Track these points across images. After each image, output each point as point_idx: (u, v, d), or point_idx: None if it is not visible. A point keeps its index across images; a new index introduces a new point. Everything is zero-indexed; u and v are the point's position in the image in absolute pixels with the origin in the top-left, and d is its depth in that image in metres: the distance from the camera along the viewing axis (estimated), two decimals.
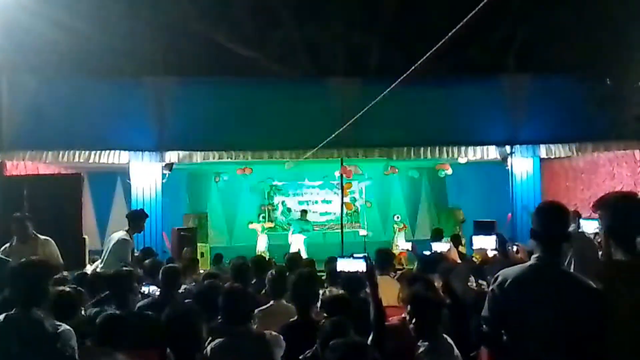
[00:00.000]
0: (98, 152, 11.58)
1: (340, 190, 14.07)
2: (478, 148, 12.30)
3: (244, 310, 3.84)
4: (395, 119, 11.73)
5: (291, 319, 4.22)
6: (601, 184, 12.53)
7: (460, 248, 10.18)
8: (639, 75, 11.16)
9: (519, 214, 12.15)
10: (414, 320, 3.70)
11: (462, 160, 12.91)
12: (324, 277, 6.08)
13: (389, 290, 4.92)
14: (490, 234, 8.00)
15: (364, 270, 3.79)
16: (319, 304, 4.43)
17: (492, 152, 12.36)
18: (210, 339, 3.70)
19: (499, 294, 2.90)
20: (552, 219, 2.94)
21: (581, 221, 8.12)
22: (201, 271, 7.98)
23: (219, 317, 3.89)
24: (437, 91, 12.05)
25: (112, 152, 11.66)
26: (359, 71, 14.28)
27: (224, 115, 11.83)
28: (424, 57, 6.07)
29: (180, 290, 5.56)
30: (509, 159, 12.35)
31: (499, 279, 2.93)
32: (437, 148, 12.24)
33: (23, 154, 11.42)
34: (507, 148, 12.28)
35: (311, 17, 15.59)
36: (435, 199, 17.05)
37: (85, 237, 9.69)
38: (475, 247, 7.75)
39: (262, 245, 14.99)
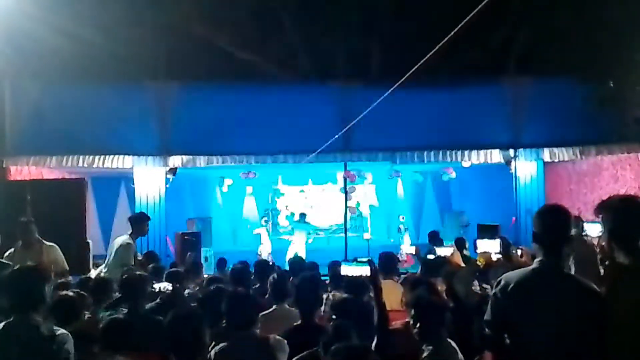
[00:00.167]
0: (101, 156, 11.61)
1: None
2: (482, 152, 12.30)
3: (247, 315, 3.83)
4: (399, 122, 11.75)
5: (295, 323, 4.22)
6: (605, 187, 12.50)
7: (464, 252, 10.17)
8: None
9: (522, 217, 12.14)
10: (417, 324, 3.69)
11: (466, 163, 12.92)
12: (327, 282, 6.07)
13: (393, 294, 4.91)
14: (494, 238, 8.01)
15: (368, 274, 3.79)
16: (322, 308, 4.42)
17: (495, 156, 12.35)
18: (214, 343, 3.70)
19: (502, 298, 2.89)
20: (554, 222, 2.93)
21: (585, 224, 8.13)
22: (205, 275, 7.97)
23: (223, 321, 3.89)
24: (440, 95, 12.06)
25: (116, 156, 11.69)
26: (361, 75, 14.26)
27: (227, 119, 11.86)
28: (425, 58, 6.09)
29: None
30: (512, 163, 12.33)
31: (502, 282, 2.92)
32: (440, 152, 12.25)
33: (27, 159, 11.46)
34: (511, 151, 12.27)
35: (313, 21, 15.60)
36: (439, 203, 17.05)
37: (89, 241, 9.69)
38: (479, 250, 7.75)
39: (265, 251, 14.98)
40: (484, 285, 5.64)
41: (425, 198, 17.30)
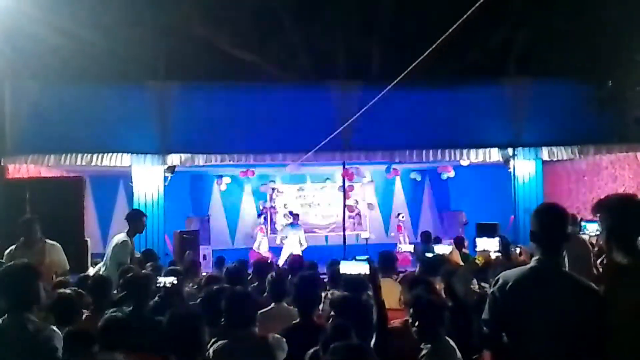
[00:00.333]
0: (100, 155, 11.60)
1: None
2: (480, 150, 12.30)
3: (246, 314, 3.83)
4: (397, 121, 11.77)
5: (293, 322, 4.22)
6: (603, 187, 12.52)
7: (464, 250, 10.19)
8: None
9: (521, 216, 12.15)
10: (416, 323, 3.70)
11: (465, 162, 12.92)
12: (325, 280, 6.07)
13: (391, 293, 4.91)
14: (492, 236, 8.03)
15: (367, 272, 3.79)
16: (321, 307, 4.42)
17: (494, 155, 12.36)
18: (212, 341, 3.70)
19: (500, 297, 2.89)
20: (551, 221, 2.94)
21: (584, 223, 8.15)
22: (203, 274, 7.97)
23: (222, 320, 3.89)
24: (439, 94, 12.07)
25: (114, 155, 11.67)
26: (359, 75, 14.28)
27: (226, 118, 11.87)
28: (421, 58, 6.11)
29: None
30: (511, 162, 12.33)
31: (500, 281, 2.92)
32: (439, 150, 12.24)
33: (25, 158, 11.44)
34: (510, 150, 12.27)
35: (312, 22, 15.61)
36: (438, 202, 17.06)
37: (87, 240, 9.68)
38: (478, 249, 7.77)
39: (263, 249, 14.99)
40: (483, 284, 5.65)
41: (424, 197, 17.30)
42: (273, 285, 4.87)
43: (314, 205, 16.92)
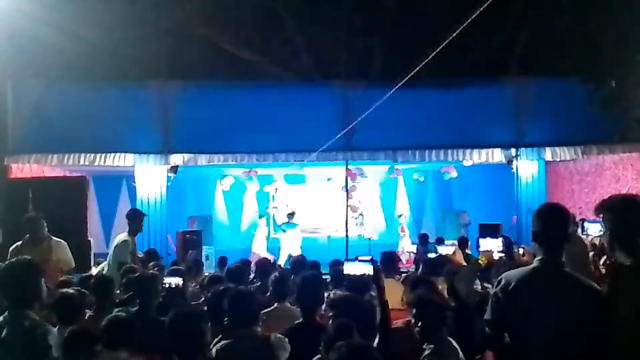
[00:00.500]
0: (103, 155, 11.63)
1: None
2: (483, 151, 12.29)
3: (249, 313, 3.83)
4: (400, 121, 11.76)
5: (296, 322, 4.22)
6: (606, 187, 12.51)
7: (466, 251, 10.18)
8: None
9: (524, 216, 12.13)
10: (418, 323, 3.69)
11: (467, 163, 12.90)
12: (328, 280, 6.07)
13: (394, 293, 4.91)
14: (495, 237, 8.02)
15: (371, 273, 3.79)
16: (324, 307, 4.42)
17: (497, 155, 12.35)
18: (215, 341, 3.70)
19: (502, 297, 2.89)
20: (553, 221, 2.93)
21: (586, 224, 8.15)
22: (206, 274, 7.97)
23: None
24: (442, 94, 12.06)
25: (117, 155, 11.70)
26: (362, 74, 14.28)
27: (228, 118, 11.88)
28: (425, 60, 6.10)
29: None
30: (514, 162, 12.32)
31: (502, 282, 2.92)
32: (442, 151, 12.23)
33: (28, 157, 11.47)
34: (512, 151, 12.26)
35: (314, 21, 15.61)
36: (441, 202, 17.04)
37: (90, 239, 9.69)
38: (481, 249, 7.76)
39: (261, 249, 14.95)
40: (486, 285, 5.65)
41: (427, 197, 17.29)
42: (276, 285, 4.88)
43: (317, 205, 16.91)
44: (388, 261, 6.22)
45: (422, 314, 3.71)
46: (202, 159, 11.99)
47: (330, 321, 3.85)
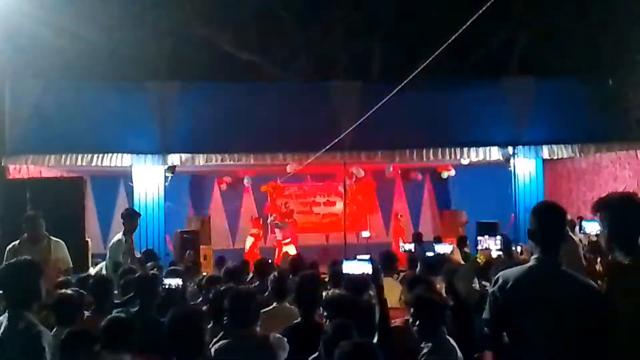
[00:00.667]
0: (101, 155, 11.61)
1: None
2: (480, 149, 12.30)
3: (248, 313, 3.83)
4: (397, 121, 11.73)
5: (295, 321, 4.22)
6: (604, 186, 12.52)
7: (465, 249, 10.19)
8: None
9: (521, 215, 12.14)
10: (417, 322, 3.70)
11: (465, 161, 12.91)
12: (326, 280, 6.07)
13: (392, 292, 4.92)
14: (494, 235, 8.03)
15: (370, 272, 3.79)
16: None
17: (494, 154, 12.36)
18: (215, 340, 3.70)
19: (500, 296, 2.88)
20: (550, 220, 2.93)
21: (583, 222, 8.16)
22: (204, 274, 7.98)
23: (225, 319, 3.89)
24: (439, 93, 12.06)
25: (115, 155, 11.68)
26: (360, 75, 14.29)
27: (226, 118, 11.87)
28: (424, 64, 6.10)
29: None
30: (511, 160, 12.33)
31: (499, 280, 2.91)
32: (439, 150, 12.23)
33: (26, 158, 11.45)
34: (510, 149, 12.27)
35: (312, 22, 15.62)
36: (438, 201, 17.04)
37: (88, 240, 9.69)
38: (480, 247, 7.78)
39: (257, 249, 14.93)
40: (484, 283, 5.65)
41: (424, 196, 17.29)
42: (275, 284, 4.88)
43: (314, 205, 16.90)
44: (386, 260, 6.23)
45: (421, 312, 3.71)
46: (200, 159, 11.99)
47: (325, 321, 3.85)
